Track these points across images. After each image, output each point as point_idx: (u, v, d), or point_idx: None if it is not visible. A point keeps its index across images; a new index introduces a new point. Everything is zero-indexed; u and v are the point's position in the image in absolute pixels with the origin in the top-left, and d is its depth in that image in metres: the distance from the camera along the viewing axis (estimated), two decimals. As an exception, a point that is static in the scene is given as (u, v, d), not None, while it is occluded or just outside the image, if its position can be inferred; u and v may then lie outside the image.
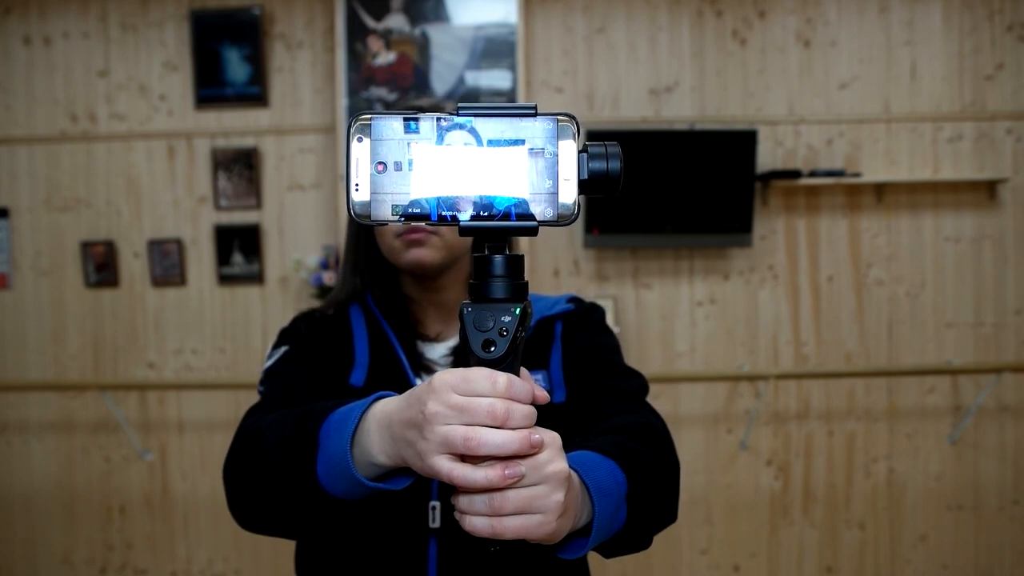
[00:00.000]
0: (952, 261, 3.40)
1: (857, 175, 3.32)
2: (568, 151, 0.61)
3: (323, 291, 3.26)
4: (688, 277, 3.40)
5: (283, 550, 3.35)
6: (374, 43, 3.20)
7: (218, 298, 3.42)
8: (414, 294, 1.13)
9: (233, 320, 3.41)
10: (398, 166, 0.60)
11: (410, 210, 0.60)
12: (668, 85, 3.38)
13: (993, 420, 3.41)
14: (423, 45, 3.21)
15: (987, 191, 3.38)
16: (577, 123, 0.61)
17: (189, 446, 3.42)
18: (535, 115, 0.60)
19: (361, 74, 3.21)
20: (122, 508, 3.44)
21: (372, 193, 0.60)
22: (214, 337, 3.42)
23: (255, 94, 3.35)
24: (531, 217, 0.60)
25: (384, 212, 0.61)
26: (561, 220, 0.61)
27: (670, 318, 3.40)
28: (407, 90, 3.21)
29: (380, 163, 0.60)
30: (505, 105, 0.61)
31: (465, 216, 0.60)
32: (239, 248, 3.39)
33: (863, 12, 3.36)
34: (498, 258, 0.63)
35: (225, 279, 3.40)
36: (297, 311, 3.57)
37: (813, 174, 3.30)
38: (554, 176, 0.60)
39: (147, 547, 3.44)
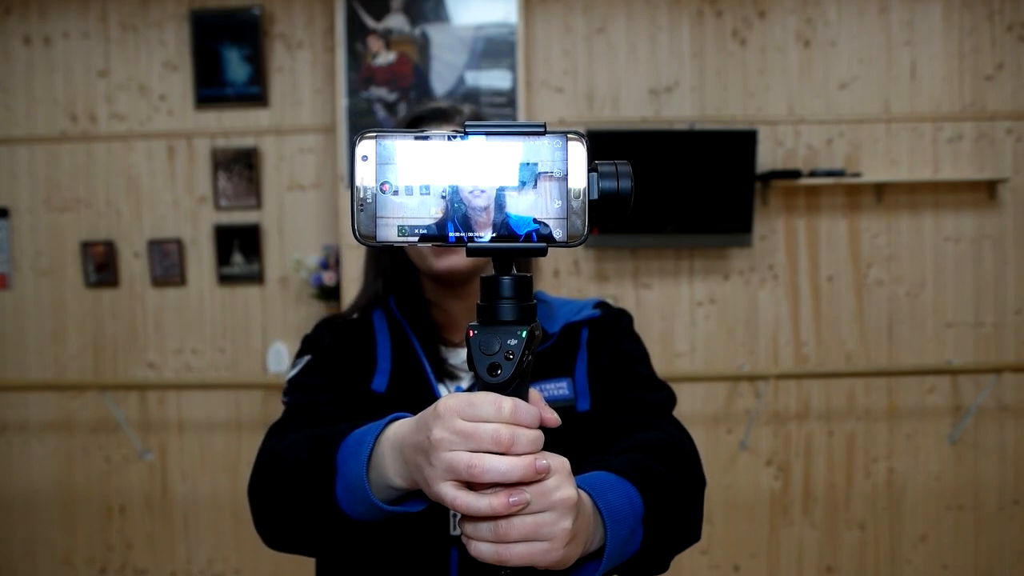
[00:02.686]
0: (952, 261, 3.40)
1: (857, 175, 3.32)
2: (578, 170, 0.59)
3: (323, 291, 3.26)
4: (688, 277, 3.40)
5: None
6: (374, 43, 3.20)
7: (218, 298, 3.42)
8: (437, 299, 1.10)
9: (233, 320, 3.41)
10: (407, 187, 0.59)
11: (427, 231, 0.59)
12: (668, 85, 3.38)
13: (993, 420, 3.41)
14: (423, 45, 3.21)
15: (987, 191, 3.38)
16: (587, 141, 0.60)
17: (189, 446, 3.42)
18: (544, 133, 0.59)
19: (361, 74, 3.21)
20: (122, 508, 3.44)
21: (377, 215, 0.59)
22: (214, 337, 3.42)
23: (255, 94, 3.35)
24: (544, 238, 0.59)
25: (389, 234, 0.59)
26: (571, 240, 0.59)
27: (670, 318, 3.40)
28: (407, 90, 3.21)
29: (385, 183, 0.59)
30: (513, 124, 0.60)
31: (485, 237, 0.59)
32: (239, 248, 3.39)
33: (863, 12, 3.36)
34: (505, 279, 0.61)
35: (225, 279, 3.40)
36: (298, 310, 3.52)
37: (813, 174, 3.30)
38: (563, 196, 0.59)
39: (147, 547, 3.44)
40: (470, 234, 0.59)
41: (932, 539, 3.43)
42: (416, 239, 0.59)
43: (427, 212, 0.59)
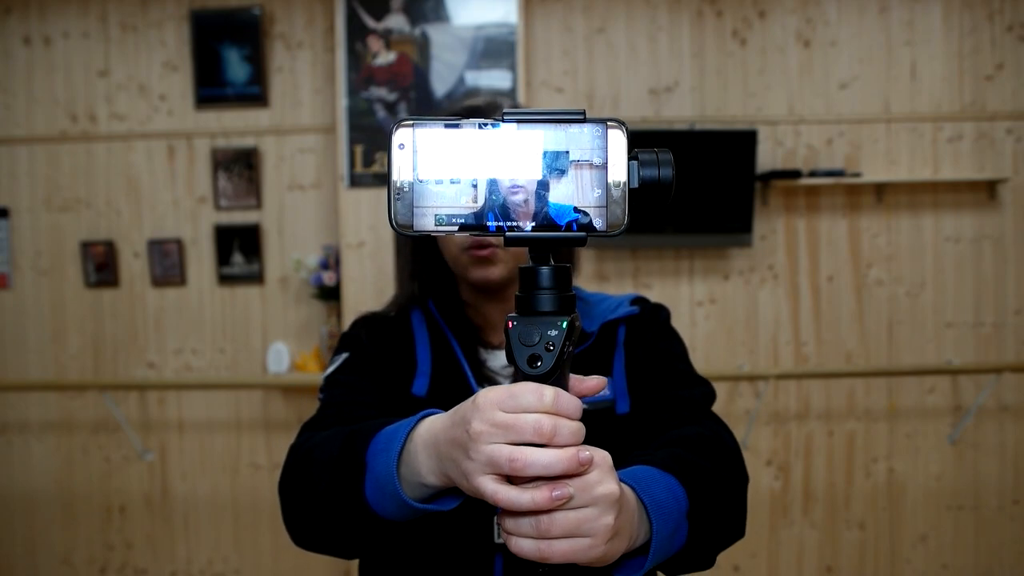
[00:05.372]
0: (952, 261, 3.40)
1: (857, 175, 3.32)
2: (618, 159, 0.58)
3: (323, 291, 3.26)
4: (688, 277, 3.40)
5: (284, 551, 3.35)
6: (374, 43, 3.20)
7: (218, 298, 3.42)
8: (474, 302, 1.10)
9: (233, 320, 3.41)
10: (444, 176, 0.58)
11: (465, 221, 0.58)
12: (668, 85, 3.38)
13: (993, 420, 3.41)
14: (423, 45, 3.21)
15: (987, 191, 3.38)
16: (627, 128, 0.59)
17: (189, 446, 3.42)
18: (583, 121, 0.58)
19: (361, 74, 3.21)
20: (122, 508, 3.44)
21: (415, 204, 0.58)
22: (214, 337, 3.42)
23: (255, 94, 3.35)
24: (585, 227, 0.58)
25: (426, 223, 0.58)
26: (611, 230, 0.58)
27: (670, 318, 3.40)
28: (407, 90, 3.21)
29: (422, 172, 0.58)
30: (552, 111, 0.58)
31: (527, 227, 0.58)
32: (239, 248, 3.39)
33: (863, 12, 3.36)
34: (544, 269, 0.60)
35: (225, 279, 3.40)
36: (298, 310, 3.51)
37: (813, 174, 3.30)
38: (603, 185, 0.58)
39: (147, 547, 3.44)
40: (510, 223, 0.58)
41: (932, 539, 3.43)
42: (454, 228, 0.58)
43: (464, 201, 0.58)
